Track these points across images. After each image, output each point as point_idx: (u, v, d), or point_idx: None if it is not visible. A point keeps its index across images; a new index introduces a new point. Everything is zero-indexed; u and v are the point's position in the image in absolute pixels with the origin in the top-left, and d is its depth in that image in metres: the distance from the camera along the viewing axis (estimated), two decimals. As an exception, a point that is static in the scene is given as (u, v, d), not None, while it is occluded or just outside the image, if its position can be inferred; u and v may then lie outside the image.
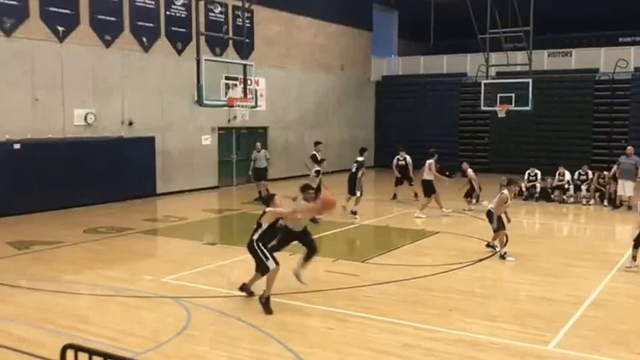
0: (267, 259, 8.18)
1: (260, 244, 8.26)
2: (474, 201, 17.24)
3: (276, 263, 8.20)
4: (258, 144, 19.35)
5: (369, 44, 30.39)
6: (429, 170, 16.08)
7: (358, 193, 16.04)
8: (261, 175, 18.85)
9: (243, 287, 8.79)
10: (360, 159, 16.45)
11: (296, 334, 7.44)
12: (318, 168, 15.50)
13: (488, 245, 11.92)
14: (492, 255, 11.60)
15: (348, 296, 8.82)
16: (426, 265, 10.84)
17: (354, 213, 15.68)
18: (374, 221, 15.62)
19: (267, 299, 8.13)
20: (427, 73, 30.07)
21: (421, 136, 27.71)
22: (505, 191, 11.80)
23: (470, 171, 17.24)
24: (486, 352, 6.91)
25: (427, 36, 34.19)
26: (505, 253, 11.43)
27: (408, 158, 18.70)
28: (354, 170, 16.25)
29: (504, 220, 11.81)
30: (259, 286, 8.48)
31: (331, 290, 8.89)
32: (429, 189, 16.08)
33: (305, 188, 9.30)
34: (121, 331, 7.48)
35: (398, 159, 18.91)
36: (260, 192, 18.48)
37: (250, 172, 19.28)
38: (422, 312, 8.30)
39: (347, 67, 28.80)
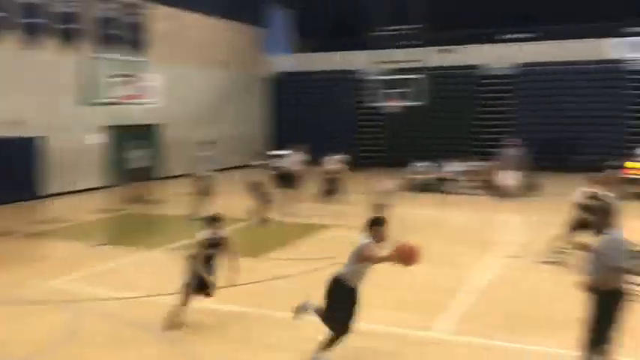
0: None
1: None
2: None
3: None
4: (139, 143, 18.81)
5: (262, 41, 30.33)
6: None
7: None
8: (139, 176, 18.35)
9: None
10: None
11: (190, 333, 7.36)
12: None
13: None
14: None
15: (244, 293, 8.77)
16: (317, 259, 10.96)
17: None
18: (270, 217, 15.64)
19: (175, 315, 7.54)
20: (322, 69, 30.36)
21: (318, 132, 27.88)
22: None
23: (332, 167, 16.86)
24: (373, 341, 7.12)
25: (322, 33, 34.50)
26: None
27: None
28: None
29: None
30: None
31: (226, 288, 8.83)
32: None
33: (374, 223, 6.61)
34: (6, 340, 7.15)
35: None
36: (137, 194, 18.08)
37: (128, 174, 18.79)
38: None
39: (240, 64, 28.62)
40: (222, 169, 17.88)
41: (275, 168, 15.96)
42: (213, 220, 7.60)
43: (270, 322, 7.77)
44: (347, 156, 18.41)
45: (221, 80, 27.55)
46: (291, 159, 16.59)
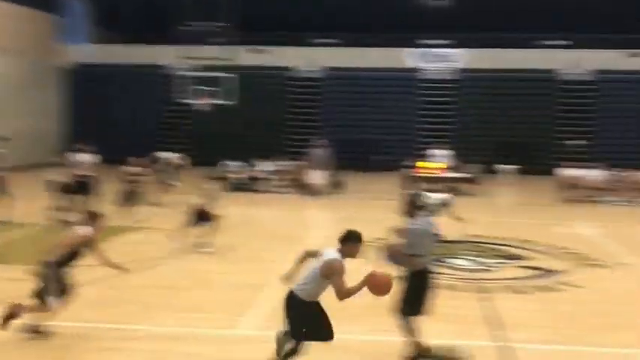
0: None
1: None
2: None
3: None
4: None
5: (57, 29, 28.07)
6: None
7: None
8: None
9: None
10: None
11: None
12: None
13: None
14: (202, 248, 11.55)
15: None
16: (128, 262, 10.31)
17: None
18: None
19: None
20: (127, 62, 28.86)
21: (121, 129, 26.71)
22: None
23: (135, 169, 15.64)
24: (178, 343, 6.88)
25: (126, 25, 32.87)
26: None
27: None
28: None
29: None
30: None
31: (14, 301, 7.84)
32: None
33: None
34: None
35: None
36: None
37: None
38: (121, 312, 7.95)
39: (30, 52, 26.09)
40: (11, 168, 16.03)
41: (70, 172, 14.71)
42: (95, 217, 7.20)
43: (68, 335, 7.04)
44: (182, 154, 17.68)
45: (8, 69, 24.82)
46: (86, 160, 15.36)
